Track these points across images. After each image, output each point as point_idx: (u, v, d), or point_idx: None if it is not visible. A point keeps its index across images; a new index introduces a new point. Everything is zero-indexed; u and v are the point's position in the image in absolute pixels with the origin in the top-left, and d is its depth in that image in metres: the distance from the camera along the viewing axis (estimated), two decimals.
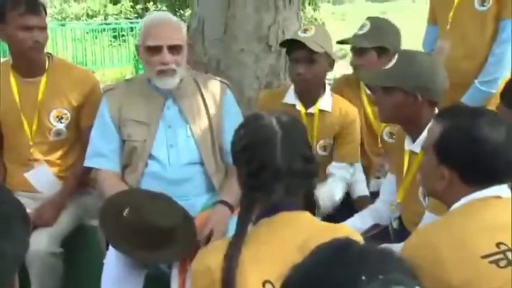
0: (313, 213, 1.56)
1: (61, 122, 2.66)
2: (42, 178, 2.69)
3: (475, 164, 1.51)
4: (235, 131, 1.59)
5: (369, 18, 2.85)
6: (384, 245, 2.06)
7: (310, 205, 1.56)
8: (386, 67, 2.18)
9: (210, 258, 1.46)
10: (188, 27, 3.58)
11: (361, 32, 2.77)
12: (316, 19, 16.52)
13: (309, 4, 16.69)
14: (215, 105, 2.46)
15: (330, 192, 2.59)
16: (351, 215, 2.52)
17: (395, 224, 2.38)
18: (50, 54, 2.72)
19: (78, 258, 2.72)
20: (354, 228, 2.24)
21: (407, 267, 1.02)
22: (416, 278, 1.03)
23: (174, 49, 2.31)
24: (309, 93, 2.65)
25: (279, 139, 1.48)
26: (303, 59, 2.54)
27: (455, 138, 1.54)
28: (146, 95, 2.40)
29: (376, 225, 2.46)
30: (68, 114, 2.66)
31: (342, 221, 2.52)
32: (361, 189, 2.76)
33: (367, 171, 2.86)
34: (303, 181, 1.52)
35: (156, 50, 2.30)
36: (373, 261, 0.98)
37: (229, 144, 2.36)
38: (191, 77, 2.47)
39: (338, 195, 2.61)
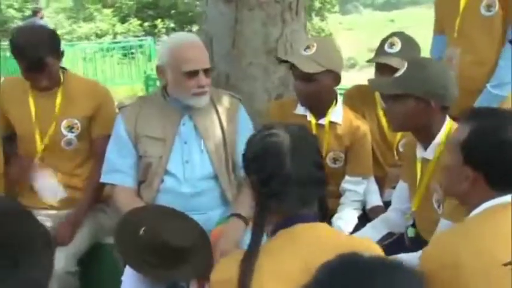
0: (328, 222, 1.58)
1: (72, 132, 2.70)
2: (45, 183, 2.71)
3: (501, 167, 1.50)
4: (247, 141, 1.62)
5: (396, 34, 2.80)
6: (402, 255, 2.05)
7: (323, 213, 1.57)
8: (396, 75, 2.18)
9: (228, 269, 1.47)
10: None
11: (392, 51, 2.71)
12: (323, 30, 16.54)
13: (316, 15, 16.72)
14: (229, 121, 2.48)
15: (343, 226, 2.56)
16: (364, 225, 2.51)
17: (410, 233, 2.36)
18: (65, 68, 2.77)
19: (94, 276, 2.73)
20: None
21: (418, 280, 1.01)
22: None
23: (207, 71, 2.36)
24: (317, 106, 2.65)
25: (288, 147, 1.50)
26: (301, 76, 2.55)
27: (482, 139, 1.52)
28: (161, 111, 2.42)
29: (389, 234, 2.44)
30: (79, 124, 2.70)
31: (355, 231, 2.52)
32: (375, 199, 2.74)
33: (381, 182, 2.84)
34: (315, 188, 1.53)
35: (193, 74, 2.33)
36: (382, 278, 0.97)
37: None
38: None
39: (350, 227, 2.57)
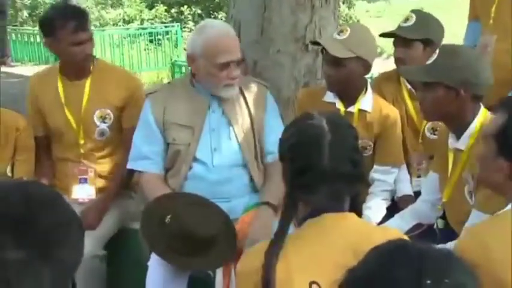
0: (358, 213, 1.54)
1: (104, 122, 2.71)
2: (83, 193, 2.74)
3: None
4: (285, 128, 1.58)
5: (413, 11, 2.79)
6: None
7: (356, 211, 1.53)
8: (428, 62, 2.12)
9: (255, 260, 1.45)
10: None
11: (406, 24, 2.70)
12: (351, 17, 16.35)
13: (343, 2, 16.52)
14: (257, 108, 2.47)
15: (372, 216, 2.53)
16: (393, 215, 2.48)
17: (440, 224, 2.32)
18: (94, 57, 2.78)
19: (120, 260, 2.75)
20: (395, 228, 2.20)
21: (468, 268, 0.99)
22: (478, 278, 1.00)
23: (239, 62, 2.35)
24: (346, 93, 2.62)
25: (327, 140, 1.45)
26: (331, 61, 2.52)
27: None
28: (190, 99, 2.41)
29: (418, 225, 2.40)
30: (111, 115, 2.71)
31: (383, 221, 2.49)
32: (405, 188, 2.69)
33: (410, 169, 2.80)
34: (348, 185, 1.48)
35: (225, 65, 2.31)
36: (435, 263, 0.95)
37: (270, 145, 2.39)
38: None
39: (379, 218, 2.54)
